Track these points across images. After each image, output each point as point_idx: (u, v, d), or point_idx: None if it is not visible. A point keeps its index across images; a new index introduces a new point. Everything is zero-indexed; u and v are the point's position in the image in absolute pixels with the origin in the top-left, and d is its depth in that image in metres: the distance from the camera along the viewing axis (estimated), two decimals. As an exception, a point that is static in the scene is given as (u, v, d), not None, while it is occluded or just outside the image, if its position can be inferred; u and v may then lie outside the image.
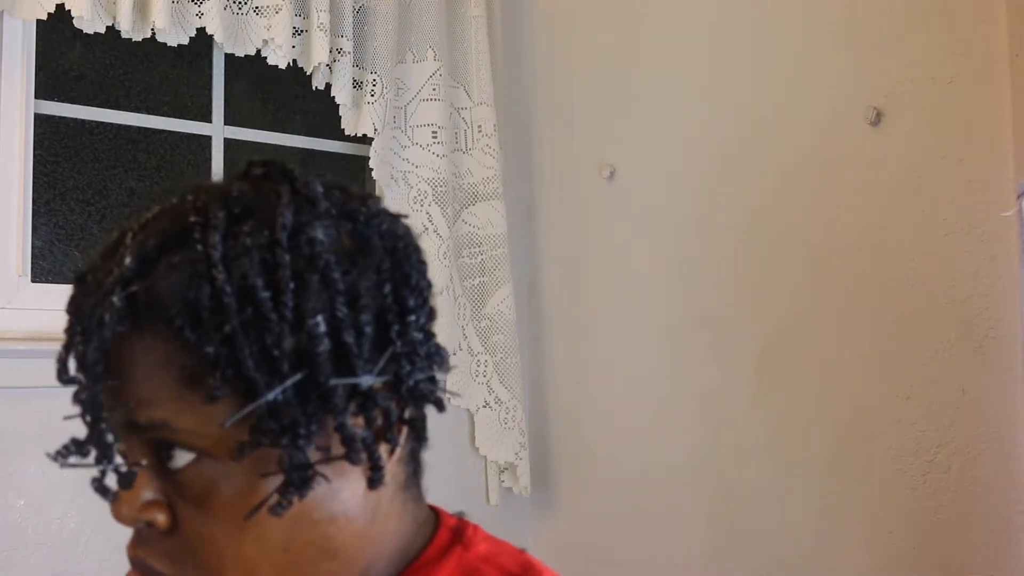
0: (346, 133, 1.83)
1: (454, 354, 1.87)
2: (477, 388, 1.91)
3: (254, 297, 0.49)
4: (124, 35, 1.58)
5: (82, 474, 0.52)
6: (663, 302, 1.73)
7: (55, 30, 1.64)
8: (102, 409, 0.51)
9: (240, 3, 1.69)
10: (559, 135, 1.99)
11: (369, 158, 1.81)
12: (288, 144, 1.94)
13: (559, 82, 1.99)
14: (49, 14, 1.51)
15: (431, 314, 0.58)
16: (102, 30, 1.57)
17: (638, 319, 1.77)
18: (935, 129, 1.31)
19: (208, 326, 0.49)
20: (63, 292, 1.81)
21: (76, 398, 0.51)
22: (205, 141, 1.84)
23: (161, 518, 0.53)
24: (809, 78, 1.49)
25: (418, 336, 0.55)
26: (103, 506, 0.52)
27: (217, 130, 1.85)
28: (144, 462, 0.53)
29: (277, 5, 1.68)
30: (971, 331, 1.27)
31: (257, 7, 1.69)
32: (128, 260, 0.51)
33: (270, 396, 0.49)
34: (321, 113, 1.91)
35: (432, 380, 0.56)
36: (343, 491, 0.54)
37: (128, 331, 0.50)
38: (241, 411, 0.49)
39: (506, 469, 1.94)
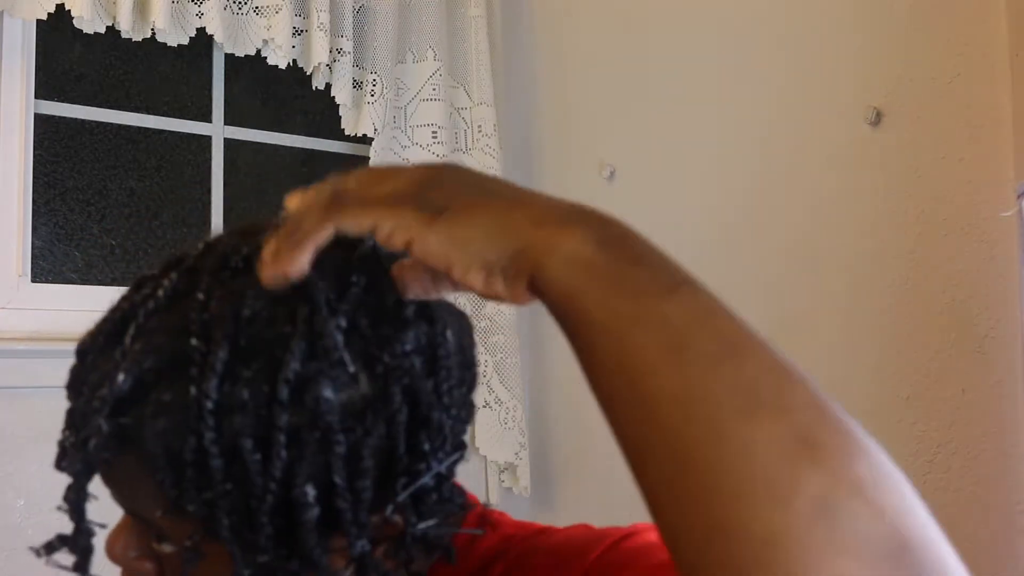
0: (346, 133, 1.83)
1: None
2: (477, 388, 1.91)
3: (241, 458, 0.46)
4: (124, 35, 1.59)
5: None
6: (663, 302, 1.72)
7: (55, 30, 1.65)
8: (85, 512, 0.50)
9: (240, 3, 1.69)
10: (559, 135, 1.99)
11: (369, 158, 1.81)
12: (288, 144, 1.94)
13: (559, 82, 1.99)
14: (49, 14, 1.51)
15: (461, 433, 0.53)
16: (102, 30, 1.57)
17: (638, 319, 1.77)
18: (935, 129, 1.31)
19: (189, 485, 0.47)
20: (63, 292, 1.80)
21: (65, 496, 0.50)
22: (205, 141, 1.84)
23: (148, 566, 0.53)
24: (809, 78, 1.49)
25: (429, 484, 0.50)
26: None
27: (217, 130, 1.85)
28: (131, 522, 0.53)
29: (277, 5, 1.68)
30: (971, 331, 1.27)
31: (257, 7, 1.69)
32: (121, 378, 0.47)
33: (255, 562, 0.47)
34: (321, 113, 1.92)
35: (441, 525, 0.52)
36: None
37: (113, 456, 0.49)
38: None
39: (506, 469, 1.94)
